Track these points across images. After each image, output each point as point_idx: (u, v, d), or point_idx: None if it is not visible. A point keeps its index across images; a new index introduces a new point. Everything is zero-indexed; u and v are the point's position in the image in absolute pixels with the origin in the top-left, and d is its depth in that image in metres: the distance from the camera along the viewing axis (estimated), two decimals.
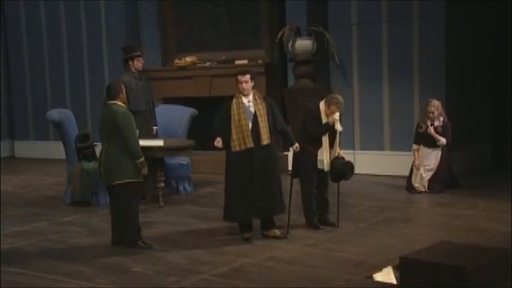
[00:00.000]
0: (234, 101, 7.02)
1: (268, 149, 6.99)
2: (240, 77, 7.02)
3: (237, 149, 6.95)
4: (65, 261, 6.52)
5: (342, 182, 7.59)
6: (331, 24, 10.98)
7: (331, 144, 7.36)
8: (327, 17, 11.03)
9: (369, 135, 10.77)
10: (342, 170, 7.40)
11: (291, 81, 11.30)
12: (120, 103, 6.90)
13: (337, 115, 7.28)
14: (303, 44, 10.89)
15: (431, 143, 9.29)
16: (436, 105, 9.23)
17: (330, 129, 7.30)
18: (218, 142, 6.99)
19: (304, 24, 11.00)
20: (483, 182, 9.94)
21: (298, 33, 10.96)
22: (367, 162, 10.34)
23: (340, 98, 7.37)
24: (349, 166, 7.48)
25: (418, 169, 9.30)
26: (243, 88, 6.99)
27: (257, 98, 7.05)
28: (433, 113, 9.22)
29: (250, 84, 7.00)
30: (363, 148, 10.76)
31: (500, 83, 11.00)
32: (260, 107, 6.99)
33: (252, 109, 6.98)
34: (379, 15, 10.59)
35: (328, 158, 7.33)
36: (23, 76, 14.48)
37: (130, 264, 6.32)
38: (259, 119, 6.95)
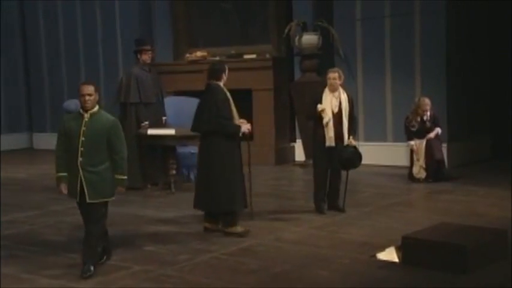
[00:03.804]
0: None
1: None
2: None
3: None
4: (80, 240, 6.68)
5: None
6: (337, 19, 11.18)
7: (340, 121, 7.58)
8: (333, 13, 11.22)
9: (372, 127, 10.98)
10: (350, 158, 7.61)
11: (297, 75, 11.48)
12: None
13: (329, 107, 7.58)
14: (309, 38, 11.08)
15: (424, 135, 9.57)
16: (428, 103, 9.57)
17: (314, 113, 7.58)
18: None
19: (311, 20, 11.19)
20: (483, 172, 10.15)
21: (304, 29, 11.14)
22: (371, 153, 10.51)
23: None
24: (357, 155, 7.68)
25: (418, 160, 9.56)
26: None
27: None
28: (426, 110, 9.54)
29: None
30: (366, 139, 10.97)
31: (500, 75, 11.15)
32: None
33: None
34: (382, 10, 10.80)
35: (333, 134, 7.54)
36: (41, 72, 14.83)
37: (142, 243, 6.54)
38: None
